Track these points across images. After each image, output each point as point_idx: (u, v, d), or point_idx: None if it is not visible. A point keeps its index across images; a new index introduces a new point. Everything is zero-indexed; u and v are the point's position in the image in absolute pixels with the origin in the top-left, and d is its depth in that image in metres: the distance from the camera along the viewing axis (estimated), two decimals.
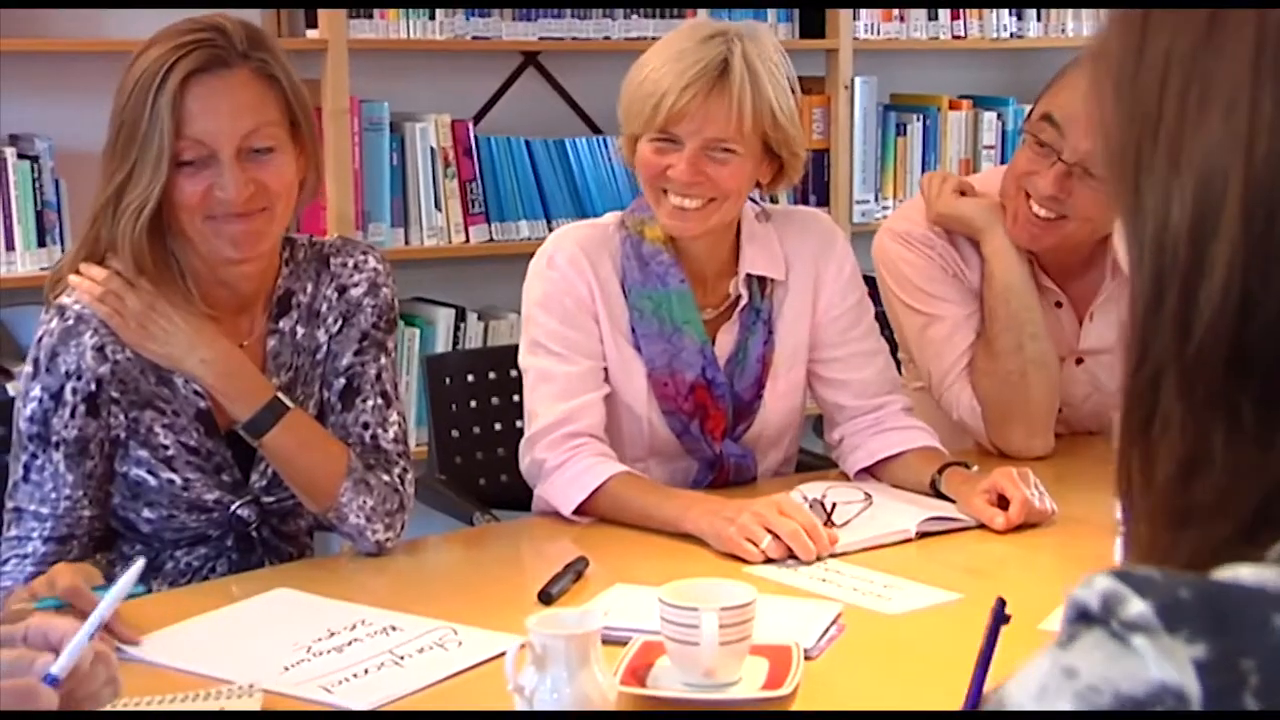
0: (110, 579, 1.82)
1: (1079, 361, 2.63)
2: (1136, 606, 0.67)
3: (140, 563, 1.45)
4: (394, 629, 1.79)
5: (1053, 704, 0.67)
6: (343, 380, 2.13)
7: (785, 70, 2.27)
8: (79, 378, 1.96)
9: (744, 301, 2.36)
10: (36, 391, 1.97)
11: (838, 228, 2.51)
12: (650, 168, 2.24)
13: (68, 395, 1.96)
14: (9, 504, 2.01)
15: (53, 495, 1.98)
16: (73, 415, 1.97)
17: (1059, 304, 2.61)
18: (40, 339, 1.98)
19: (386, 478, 2.09)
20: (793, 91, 2.27)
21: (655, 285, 2.31)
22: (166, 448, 2.03)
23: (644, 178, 2.27)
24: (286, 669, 1.68)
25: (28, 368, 1.99)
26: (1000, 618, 1.36)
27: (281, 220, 2.02)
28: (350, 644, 1.75)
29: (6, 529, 2.00)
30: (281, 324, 2.11)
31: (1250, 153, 0.73)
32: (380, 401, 2.13)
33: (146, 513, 2.05)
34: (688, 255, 2.34)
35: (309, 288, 2.13)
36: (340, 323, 2.13)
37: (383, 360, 2.15)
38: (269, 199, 1.97)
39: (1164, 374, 0.76)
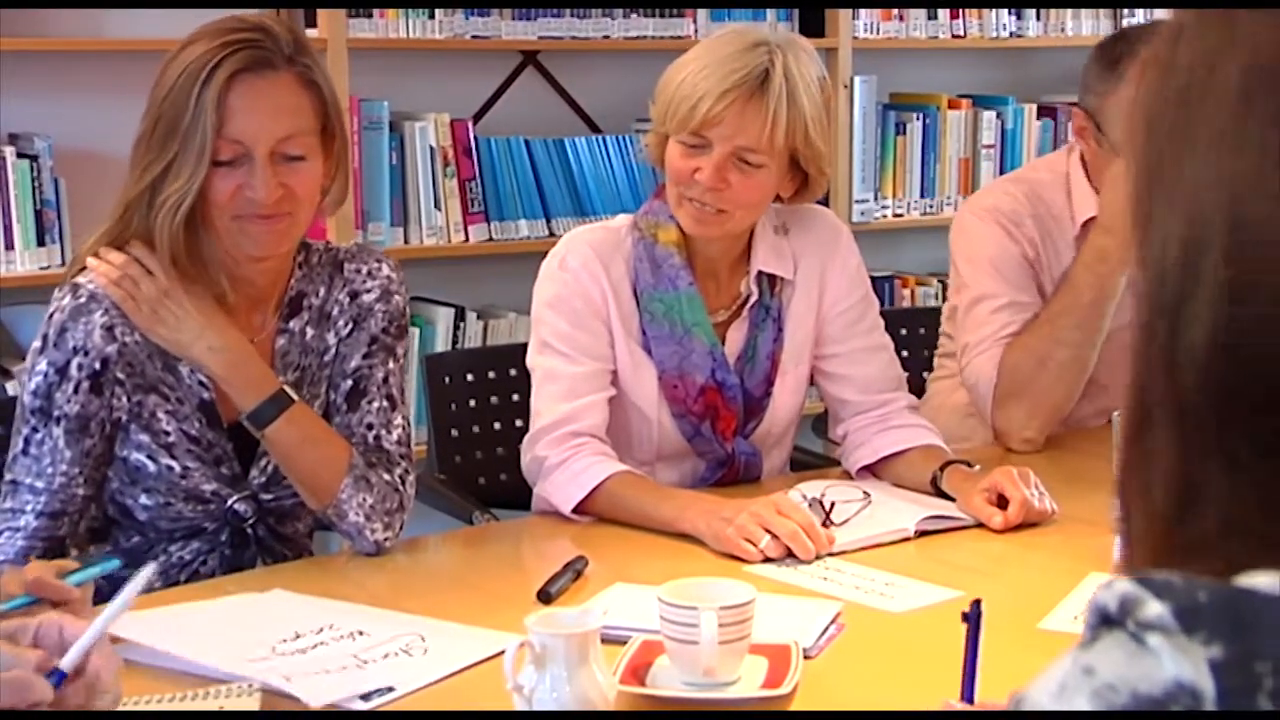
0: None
1: None
2: (1154, 608, 0.68)
3: (151, 566, 1.44)
4: (361, 634, 1.77)
5: (1070, 702, 0.68)
6: (349, 382, 2.13)
7: (823, 86, 2.27)
8: (85, 354, 1.97)
9: (754, 299, 2.37)
10: (43, 366, 1.98)
11: (842, 224, 2.51)
12: (677, 171, 2.25)
13: (73, 371, 1.97)
14: (6, 476, 2.02)
15: (49, 470, 1.99)
16: (76, 391, 1.98)
17: None
18: (51, 315, 1.99)
19: (387, 477, 2.09)
20: (827, 109, 2.28)
21: (666, 287, 2.32)
22: (168, 434, 2.03)
23: (669, 179, 2.28)
24: (250, 662, 1.67)
25: (36, 343, 2.00)
26: (975, 619, 1.40)
27: (303, 225, 2.04)
28: (315, 647, 1.73)
29: (1, 501, 2.01)
30: (291, 324, 2.11)
31: (1235, 194, 0.74)
32: (385, 404, 2.13)
33: (144, 499, 2.06)
34: (701, 255, 2.35)
35: (321, 291, 2.13)
36: (350, 326, 2.14)
37: (390, 365, 2.15)
38: (294, 204, 1.98)
39: (1156, 411, 0.76)
